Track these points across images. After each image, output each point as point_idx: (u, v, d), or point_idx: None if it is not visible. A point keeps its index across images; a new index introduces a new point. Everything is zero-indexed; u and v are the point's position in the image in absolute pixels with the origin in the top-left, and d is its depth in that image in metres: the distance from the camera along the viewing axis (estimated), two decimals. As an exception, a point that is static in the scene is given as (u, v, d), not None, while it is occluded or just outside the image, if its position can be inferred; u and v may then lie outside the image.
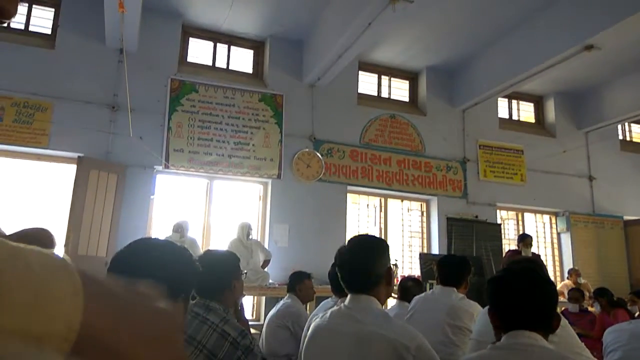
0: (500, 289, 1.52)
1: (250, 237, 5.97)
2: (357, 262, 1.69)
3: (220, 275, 2.02)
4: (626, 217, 8.82)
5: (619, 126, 9.41)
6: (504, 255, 7.00)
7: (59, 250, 5.48)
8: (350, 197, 7.36)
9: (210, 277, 1.93)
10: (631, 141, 9.80)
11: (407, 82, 8.26)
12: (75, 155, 5.85)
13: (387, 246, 1.78)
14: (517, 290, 1.47)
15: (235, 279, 2.10)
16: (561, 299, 6.93)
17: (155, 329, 0.38)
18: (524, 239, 6.39)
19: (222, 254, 2.26)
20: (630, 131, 9.90)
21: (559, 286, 7.76)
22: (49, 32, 6.31)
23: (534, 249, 7.12)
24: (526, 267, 1.81)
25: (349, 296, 1.73)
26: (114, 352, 0.35)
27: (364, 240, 1.79)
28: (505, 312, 1.47)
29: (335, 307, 1.76)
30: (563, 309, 5.86)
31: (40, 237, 0.48)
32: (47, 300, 0.32)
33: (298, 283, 3.89)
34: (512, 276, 1.57)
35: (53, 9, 6.37)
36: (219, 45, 7.18)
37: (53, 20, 6.33)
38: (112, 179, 5.88)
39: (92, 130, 6.00)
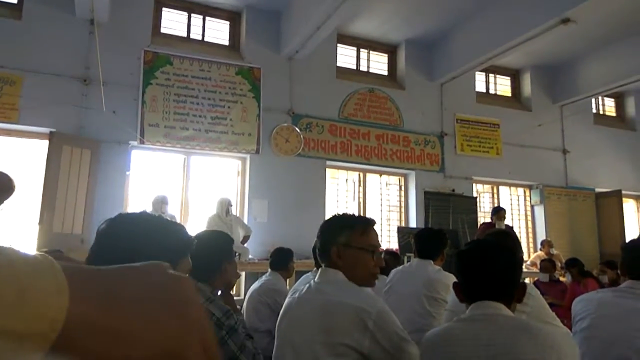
0: (463, 261, 1.54)
1: (230, 213, 5.95)
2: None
3: (210, 258, 1.96)
4: (598, 190, 9.06)
5: (593, 100, 9.57)
6: (478, 228, 7.14)
7: (34, 228, 5.38)
8: (329, 172, 7.36)
9: (199, 257, 1.92)
10: (604, 115, 9.98)
11: (386, 55, 8.21)
12: (46, 130, 5.68)
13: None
14: (479, 262, 1.49)
15: (226, 261, 2.05)
16: (534, 269, 7.13)
17: (151, 327, 0.36)
18: (498, 212, 6.53)
19: (212, 235, 2.20)
20: (603, 105, 10.08)
21: (532, 257, 7.98)
22: (15, 1, 6.04)
23: (508, 222, 7.28)
24: (489, 240, 1.84)
25: (319, 270, 1.76)
26: (98, 352, 0.34)
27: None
28: (469, 284, 1.50)
29: (306, 285, 1.77)
30: (535, 279, 6.03)
31: None
32: (30, 298, 0.31)
33: (288, 262, 3.94)
34: (475, 249, 1.60)
35: (18, -23, 6.10)
36: (193, 15, 6.99)
37: (19, -11, 6.06)
38: (85, 154, 5.75)
39: (64, 105, 5.83)
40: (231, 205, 6.03)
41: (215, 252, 2.01)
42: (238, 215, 6.51)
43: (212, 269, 1.98)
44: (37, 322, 0.31)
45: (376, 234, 1.76)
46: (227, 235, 2.18)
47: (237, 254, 2.15)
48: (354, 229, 1.70)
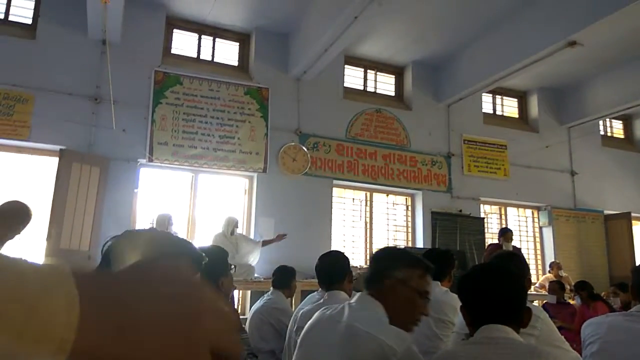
0: (468, 285, 1.54)
1: (235, 233, 5.95)
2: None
3: (207, 272, 1.96)
4: (606, 212, 8.98)
5: (601, 122, 9.55)
6: (485, 249, 7.08)
7: (41, 243, 5.40)
8: (336, 191, 7.37)
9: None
10: (612, 137, 9.95)
11: (393, 76, 8.28)
12: (57, 147, 5.75)
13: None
14: (485, 286, 1.49)
15: (222, 275, 2.05)
16: (542, 291, 7.04)
17: (169, 336, 0.36)
18: (505, 234, 6.48)
19: (208, 250, 2.19)
20: (611, 127, 10.05)
21: (540, 279, 7.88)
22: (29, 22, 6.18)
23: (516, 243, 7.22)
24: (493, 263, 1.83)
25: (357, 295, 1.70)
26: None
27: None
28: (475, 308, 1.49)
29: (341, 306, 1.72)
30: (544, 302, 5.95)
31: (15, 209, 0.47)
32: (39, 317, 0.31)
33: (291, 280, 3.91)
34: (479, 272, 1.61)
35: (34, -1, 6.24)
36: (203, 37, 7.11)
37: (34, 10, 6.20)
38: (94, 172, 5.80)
39: (74, 123, 5.91)
40: (237, 226, 6.03)
41: (212, 267, 1.99)
42: (245, 233, 6.51)
43: (209, 285, 1.98)
44: (46, 343, 0.31)
45: (431, 281, 1.69)
46: (221, 250, 2.18)
47: (232, 266, 2.14)
48: (415, 269, 1.64)
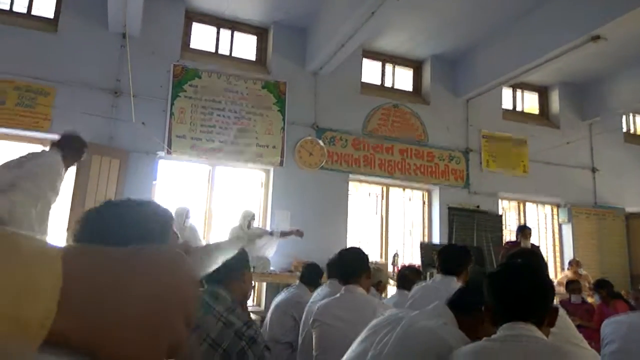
0: (494, 283, 1.54)
1: (252, 226, 5.98)
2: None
3: (231, 264, 1.97)
4: (628, 209, 8.81)
5: (623, 118, 9.37)
6: (502, 246, 7.00)
7: (62, 234, 5.51)
8: (352, 186, 7.36)
9: (222, 265, 1.92)
10: (635, 133, 9.75)
11: (412, 70, 8.21)
12: (77, 140, 5.84)
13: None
14: (512, 284, 1.49)
15: (246, 269, 2.09)
16: (561, 289, 6.95)
17: (149, 315, 0.37)
18: (523, 231, 6.40)
19: None
20: (634, 123, 9.85)
21: (559, 277, 7.78)
22: (51, 16, 6.27)
23: (534, 240, 7.13)
24: (523, 262, 1.80)
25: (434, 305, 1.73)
26: (87, 348, 0.35)
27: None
28: (501, 306, 1.49)
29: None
30: (560, 299, 5.88)
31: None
32: (31, 285, 0.32)
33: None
34: (507, 270, 1.60)
35: (56, -7, 6.33)
36: (222, 31, 7.13)
37: (56, 4, 6.29)
38: (114, 164, 5.89)
39: (95, 116, 5.99)
40: (254, 220, 6.06)
41: (236, 260, 2.01)
42: (261, 226, 6.54)
43: (231, 277, 1.99)
44: (35, 309, 0.32)
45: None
46: (243, 249, 2.21)
47: (252, 266, 2.18)
48: None
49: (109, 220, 1.02)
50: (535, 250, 2.96)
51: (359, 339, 1.80)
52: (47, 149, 3.64)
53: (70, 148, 3.65)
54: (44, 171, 3.23)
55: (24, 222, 2.97)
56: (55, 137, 5.90)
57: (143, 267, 0.39)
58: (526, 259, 2.41)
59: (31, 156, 3.33)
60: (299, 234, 6.01)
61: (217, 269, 1.95)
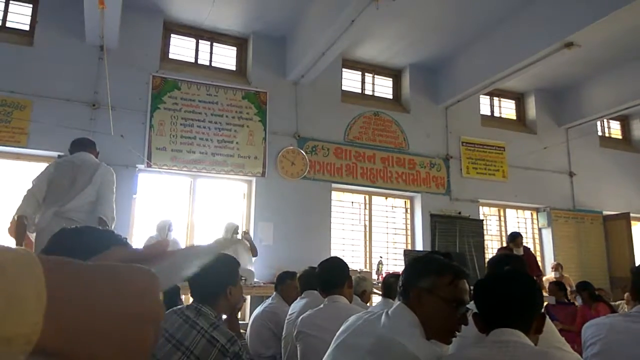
0: (482, 290, 1.56)
1: (235, 238, 5.94)
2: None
3: (214, 280, 1.91)
4: (605, 212, 8.99)
5: (598, 123, 9.57)
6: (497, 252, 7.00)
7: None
8: (335, 195, 7.36)
9: (203, 280, 1.88)
10: (610, 137, 9.97)
11: (391, 79, 8.29)
12: (55, 154, 5.74)
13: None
14: (499, 291, 1.51)
15: (231, 284, 2.00)
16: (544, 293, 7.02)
17: (123, 318, 0.38)
18: (515, 239, 6.40)
19: (218, 257, 2.17)
20: (609, 128, 10.07)
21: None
22: (27, 28, 6.18)
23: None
24: (511, 269, 1.82)
25: (396, 303, 1.66)
26: (72, 355, 0.35)
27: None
28: (489, 312, 1.50)
29: (379, 313, 1.70)
30: (546, 303, 5.94)
31: None
32: (17, 301, 0.32)
33: (280, 283, 3.90)
34: (494, 278, 1.62)
35: (31, 5, 6.24)
36: (201, 41, 7.11)
37: (31, 17, 6.21)
38: (93, 178, 5.77)
39: (72, 129, 5.88)
40: (237, 233, 6.02)
41: (220, 275, 1.95)
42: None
43: (216, 293, 1.94)
44: (22, 324, 0.32)
45: (467, 288, 1.57)
46: (232, 259, 2.15)
47: (243, 278, 2.07)
48: (441, 276, 1.55)
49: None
50: (512, 254, 2.99)
51: (332, 344, 1.78)
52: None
53: None
54: None
55: None
56: (32, 152, 5.82)
57: (116, 284, 0.39)
58: (511, 264, 2.43)
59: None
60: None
61: (201, 285, 1.92)
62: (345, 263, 2.80)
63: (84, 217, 3.53)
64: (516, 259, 2.61)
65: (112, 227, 3.57)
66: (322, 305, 2.63)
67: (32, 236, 3.75)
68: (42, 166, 5.91)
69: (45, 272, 0.35)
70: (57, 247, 1.03)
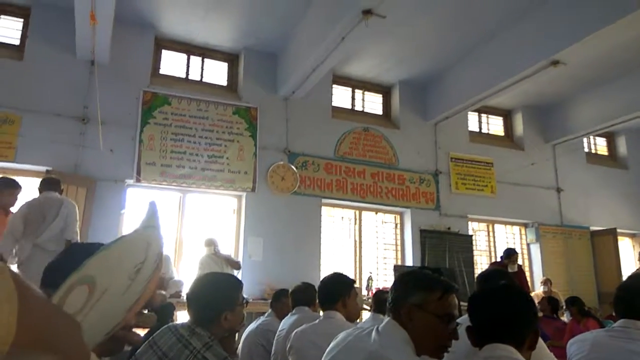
0: (475, 306, 1.57)
1: (218, 252, 5.91)
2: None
3: (209, 304, 1.81)
4: (593, 228, 9.07)
5: (585, 139, 9.71)
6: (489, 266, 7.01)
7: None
8: (325, 210, 7.36)
9: (197, 303, 1.81)
10: (596, 154, 10.11)
11: (381, 95, 8.37)
12: (43, 169, 5.70)
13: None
14: (491, 307, 1.52)
15: (228, 310, 1.82)
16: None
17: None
18: (510, 256, 6.37)
19: (215, 279, 1.99)
20: (595, 144, 10.22)
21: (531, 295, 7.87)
22: (17, 42, 6.17)
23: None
24: (504, 284, 1.82)
25: (386, 320, 1.64)
26: (44, 347, 0.38)
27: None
28: (481, 328, 1.51)
29: (368, 329, 1.69)
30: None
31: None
32: None
33: (275, 301, 3.88)
34: (487, 293, 1.63)
35: (22, 19, 6.24)
36: (192, 57, 7.14)
37: (22, 31, 6.20)
38: (80, 193, 5.74)
39: (61, 144, 5.87)
40: (217, 245, 5.97)
41: (216, 300, 1.83)
42: (233, 253, 6.46)
43: (210, 318, 1.80)
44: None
45: (456, 302, 1.58)
46: (233, 280, 2.00)
47: (247, 299, 1.84)
48: (431, 291, 1.54)
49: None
50: (501, 270, 3.00)
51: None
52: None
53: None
54: None
55: None
56: (20, 166, 5.77)
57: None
58: (500, 279, 2.43)
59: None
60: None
61: (195, 308, 1.85)
62: (345, 279, 2.73)
63: (55, 247, 4.11)
64: (506, 275, 2.62)
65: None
66: (317, 321, 2.62)
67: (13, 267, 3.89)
68: (29, 181, 5.88)
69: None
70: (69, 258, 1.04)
